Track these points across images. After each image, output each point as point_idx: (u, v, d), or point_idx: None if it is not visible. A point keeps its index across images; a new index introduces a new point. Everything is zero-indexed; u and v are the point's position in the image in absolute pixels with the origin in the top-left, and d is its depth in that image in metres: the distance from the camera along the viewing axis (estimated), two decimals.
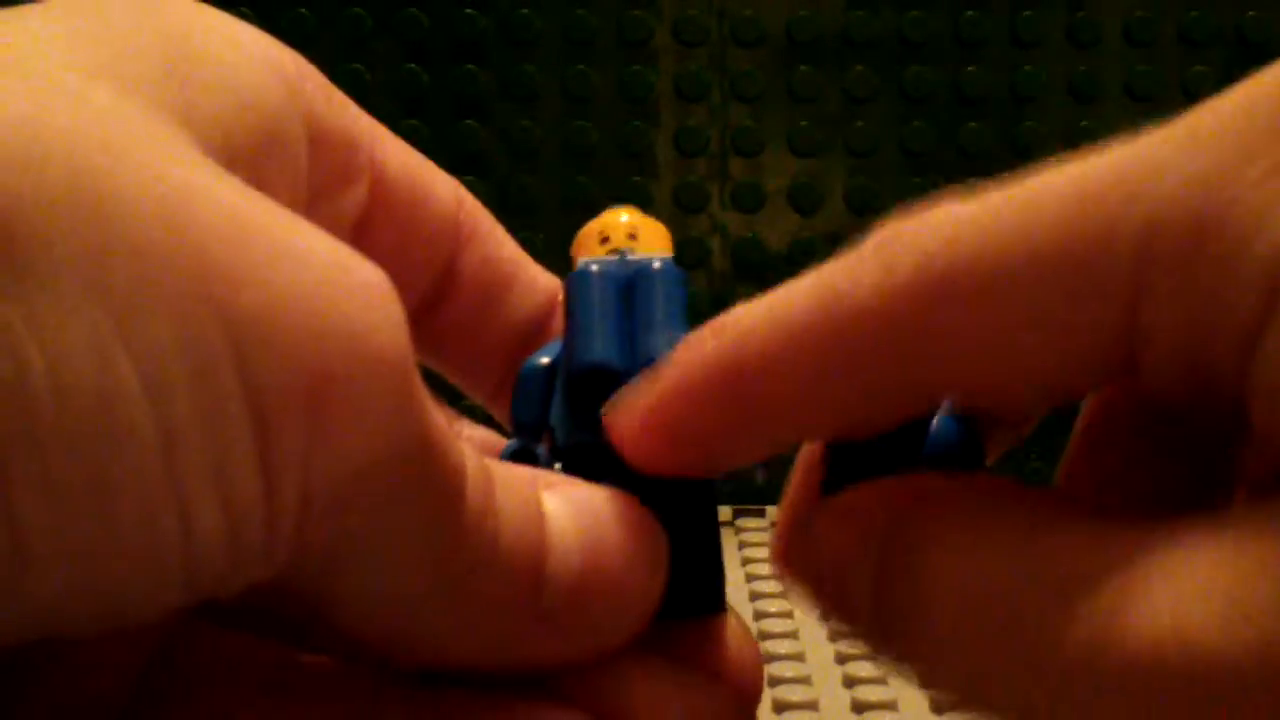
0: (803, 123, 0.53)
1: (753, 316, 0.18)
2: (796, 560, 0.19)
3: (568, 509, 0.18)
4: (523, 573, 0.17)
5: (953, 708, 0.17)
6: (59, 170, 0.13)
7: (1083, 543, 0.16)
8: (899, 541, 0.18)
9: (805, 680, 0.32)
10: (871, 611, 0.18)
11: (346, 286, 0.15)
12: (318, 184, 0.19)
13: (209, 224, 0.14)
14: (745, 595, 0.38)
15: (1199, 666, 0.14)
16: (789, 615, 0.36)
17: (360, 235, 0.21)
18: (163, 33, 0.16)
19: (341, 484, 0.15)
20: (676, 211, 0.53)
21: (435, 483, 0.16)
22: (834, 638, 0.34)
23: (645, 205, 0.55)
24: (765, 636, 0.35)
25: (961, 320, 0.17)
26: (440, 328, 0.23)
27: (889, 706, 0.30)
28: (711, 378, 0.18)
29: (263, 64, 0.18)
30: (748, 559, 0.41)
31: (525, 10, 0.53)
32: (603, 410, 0.19)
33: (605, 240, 0.21)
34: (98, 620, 0.14)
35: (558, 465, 0.20)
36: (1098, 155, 0.16)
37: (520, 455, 0.20)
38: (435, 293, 0.23)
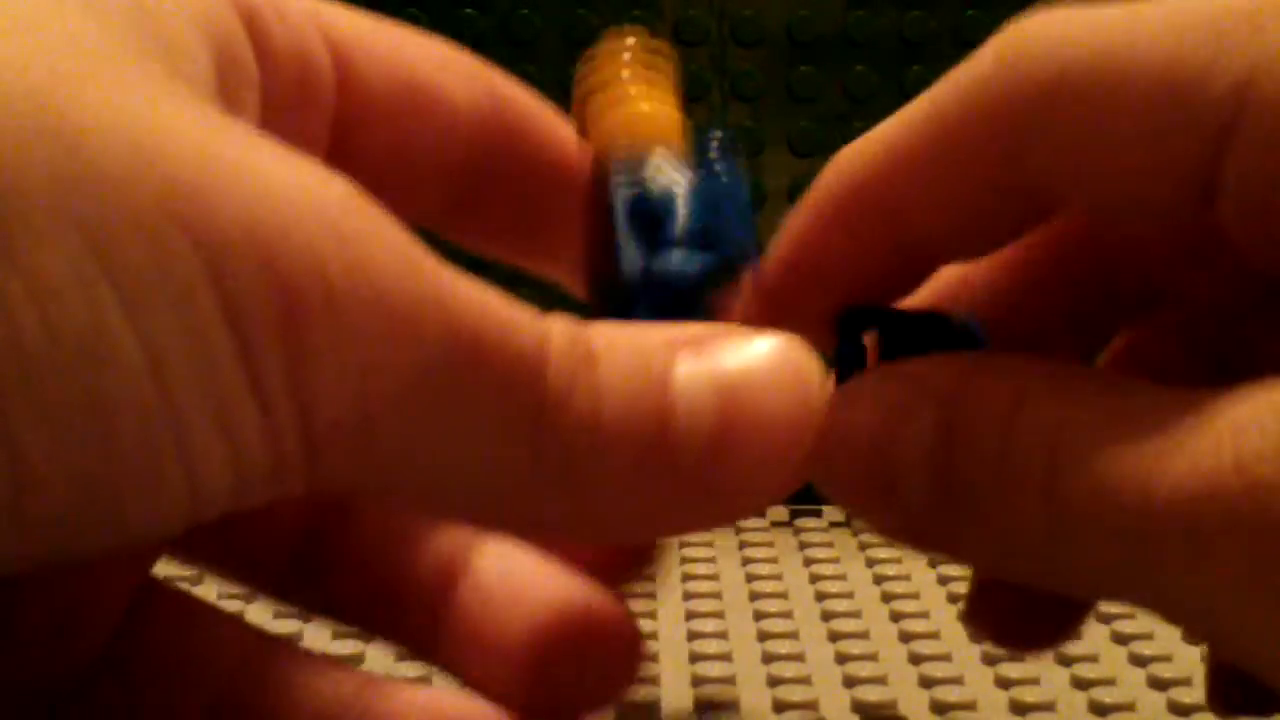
0: (803, 123, 0.53)
1: (874, 132, 0.19)
2: (826, 441, 0.17)
3: (705, 367, 0.16)
4: (640, 446, 0.16)
5: (1018, 579, 0.17)
6: (23, 104, 0.13)
7: (1159, 394, 0.16)
8: (969, 404, 0.17)
9: (805, 680, 0.32)
10: (929, 487, 0.17)
11: (310, 204, 0.14)
12: (277, 102, 0.19)
13: (174, 149, 0.14)
14: (745, 595, 0.38)
15: (1260, 494, 0.14)
16: (789, 615, 0.36)
17: (343, 147, 0.21)
18: None
19: (359, 401, 0.15)
20: None
21: (491, 377, 0.15)
22: (834, 638, 0.34)
23: None
24: (765, 637, 0.35)
25: (1069, 119, 0.17)
26: (483, 224, 0.23)
27: (889, 706, 0.30)
28: (835, 197, 0.19)
29: None
30: (747, 559, 0.41)
31: (525, 10, 0.53)
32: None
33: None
34: (103, 541, 0.14)
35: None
36: None
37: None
38: (470, 193, 0.22)
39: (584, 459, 0.16)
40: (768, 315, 0.20)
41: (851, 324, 0.19)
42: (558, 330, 0.16)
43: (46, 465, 0.13)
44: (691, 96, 0.54)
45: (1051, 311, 0.21)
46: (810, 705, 0.30)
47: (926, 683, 0.31)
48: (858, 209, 0.19)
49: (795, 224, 0.20)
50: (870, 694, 0.31)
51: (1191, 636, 0.16)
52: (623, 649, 0.21)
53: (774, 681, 0.32)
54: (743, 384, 0.17)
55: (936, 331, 0.19)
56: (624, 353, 0.16)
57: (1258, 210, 0.17)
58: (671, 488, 0.16)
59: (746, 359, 0.17)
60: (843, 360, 0.19)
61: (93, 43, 0.15)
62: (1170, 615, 0.16)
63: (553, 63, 0.53)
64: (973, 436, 0.17)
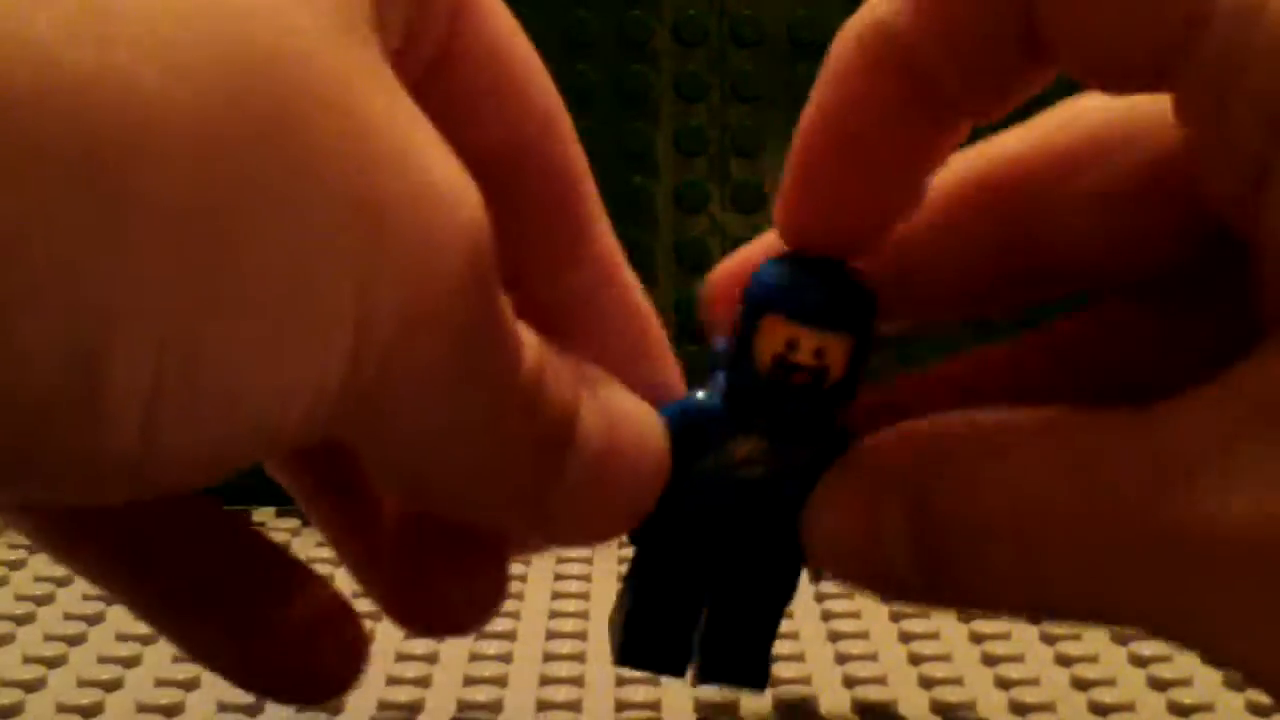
0: None
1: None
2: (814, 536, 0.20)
3: (597, 405, 0.20)
4: (552, 439, 0.19)
5: (1037, 619, 0.18)
6: (262, 103, 0.14)
7: (1129, 430, 0.16)
8: (931, 484, 0.18)
9: (805, 680, 0.32)
10: (915, 566, 0.18)
11: (449, 196, 0.16)
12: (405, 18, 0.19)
13: (374, 152, 0.15)
14: None
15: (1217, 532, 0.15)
16: (788, 615, 0.36)
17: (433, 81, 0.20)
18: None
19: (414, 327, 0.16)
20: (676, 211, 0.53)
21: (493, 354, 0.18)
22: (834, 638, 0.34)
23: (645, 205, 0.55)
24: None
25: None
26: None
27: (889, 706, 0.30)
28: (821, 119, 0.20)
29: None
30: None
31: (525, 10, 0.53)
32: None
33: (792, 348, 0.21)
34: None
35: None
36: None
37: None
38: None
39: (509, 425, 0.18)
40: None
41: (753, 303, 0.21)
42: (536, 348, 0.19)
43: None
44: (691, 96, 0.55)
45: (981, 276, 0.22)
46: (810, 705, 0.30)
47: (927, 683, 0.31)
48: (877, 58, 0.21)
49: (794, 159, 0.22)
50: (870, 694, 0.31)
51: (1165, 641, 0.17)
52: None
53: (774, 682, 0.32)
54: (624, 420, 0.20)
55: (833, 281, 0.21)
56: (558, 373, 0.19)
57: (1206, 113, 0.17)
58: (553, 488, 0.19)
59: (626, 402, 0.20)
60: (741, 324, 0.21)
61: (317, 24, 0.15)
62: (1162, 634, 0.17)
63: (553, 63, 0.53)
64: (942, 516, 0.18)
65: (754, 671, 0.23)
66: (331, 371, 0.15)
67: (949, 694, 0.30)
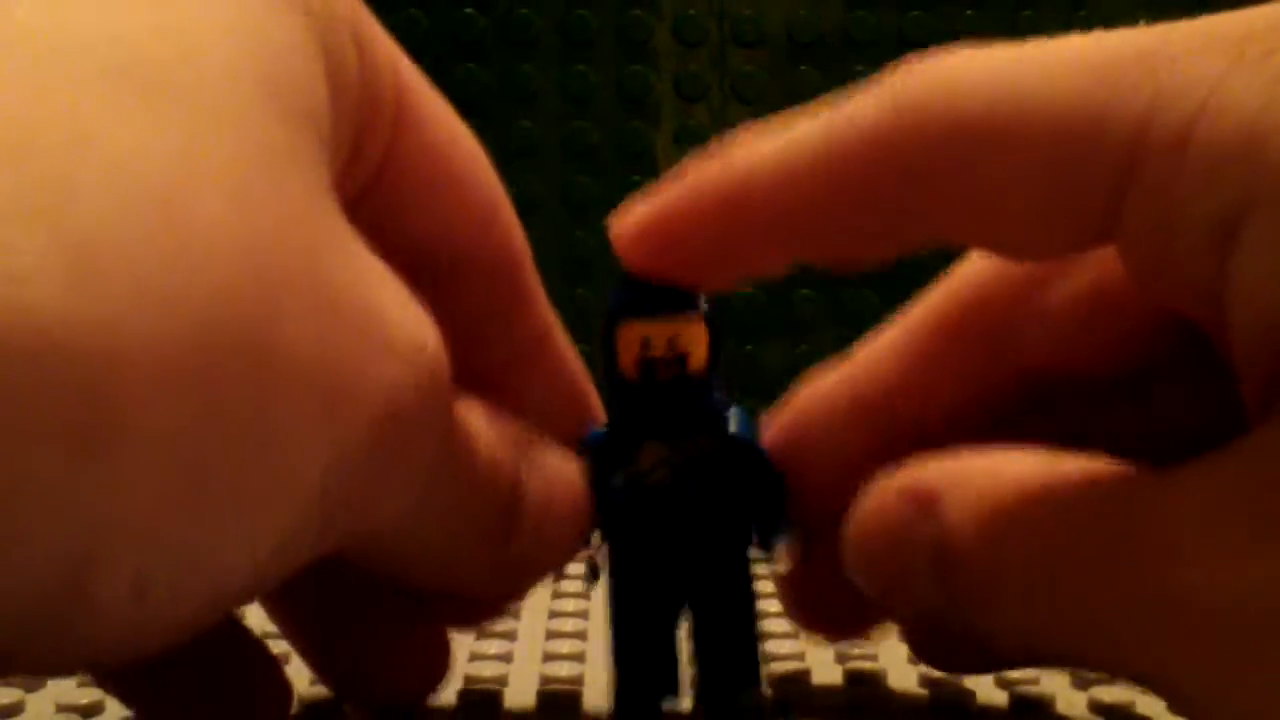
0: None
1: (760, 139, 0.20)
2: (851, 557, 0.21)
3: (535, 468, 0.21)
4: (505, 509, 0.21)
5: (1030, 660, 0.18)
6: (236, 322, 0.14)
7: (1138, 495, 0.17)
8: (953, 520, 0.19)
9: (804, 677, 0.32)
10: (936, 584, 0.19)
11: (409, 345, 0.17)
12: (355, 117, 0.19)
13: (340, 325, 0.16)
14: None
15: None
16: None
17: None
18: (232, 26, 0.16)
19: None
20: None
21: (455, 465, 0.19)
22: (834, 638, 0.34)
23: None
24: (766, 636, 0.35)
25: (961, 164, 0.18)
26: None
27: (888, 703, 0.30)
28: (714, 189, 0.21)
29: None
30: None
31: (525, 10, 0.53)
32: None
33: (647, 346, 0.22)
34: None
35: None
36: (1125, 35, 0.18)
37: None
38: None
39: (465, 502, 0.20)
40: None
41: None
42: (491, 438, 0.21)
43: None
44: (691, 96, 0.55)
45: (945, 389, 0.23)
46: (809, 703, 0.30)
47: (926, 683, 0.31)
48: (730, 209, 0.21)
49: (670, 195, 0.22)
50: (869, 693, 0.31)
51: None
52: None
53: (774, 682, 0.32)
54: (555, 476, 0.22)
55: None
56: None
57: (1155, 251, 0.17)
58: (515, 552, 0.21)
59: (554, 457, 0.22)
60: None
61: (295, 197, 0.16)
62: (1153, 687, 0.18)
63: (553, 63, 0.53)
64: (961, 554, 0.18)
65: (747, 671, 0.23)
66: (308, 531, 0.16)
67: (949, 693, 0.30)
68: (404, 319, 0.17)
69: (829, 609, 0.24)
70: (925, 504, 0.19)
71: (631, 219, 0.21)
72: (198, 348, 0.14)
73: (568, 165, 0.52)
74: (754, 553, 0.23)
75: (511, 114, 0.52)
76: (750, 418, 0.23)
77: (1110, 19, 0.60)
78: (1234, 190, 0.16)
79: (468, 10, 0.53)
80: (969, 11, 0.53)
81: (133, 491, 0.13)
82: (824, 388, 0.23)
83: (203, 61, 0.15)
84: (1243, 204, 0.16)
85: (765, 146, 0.20)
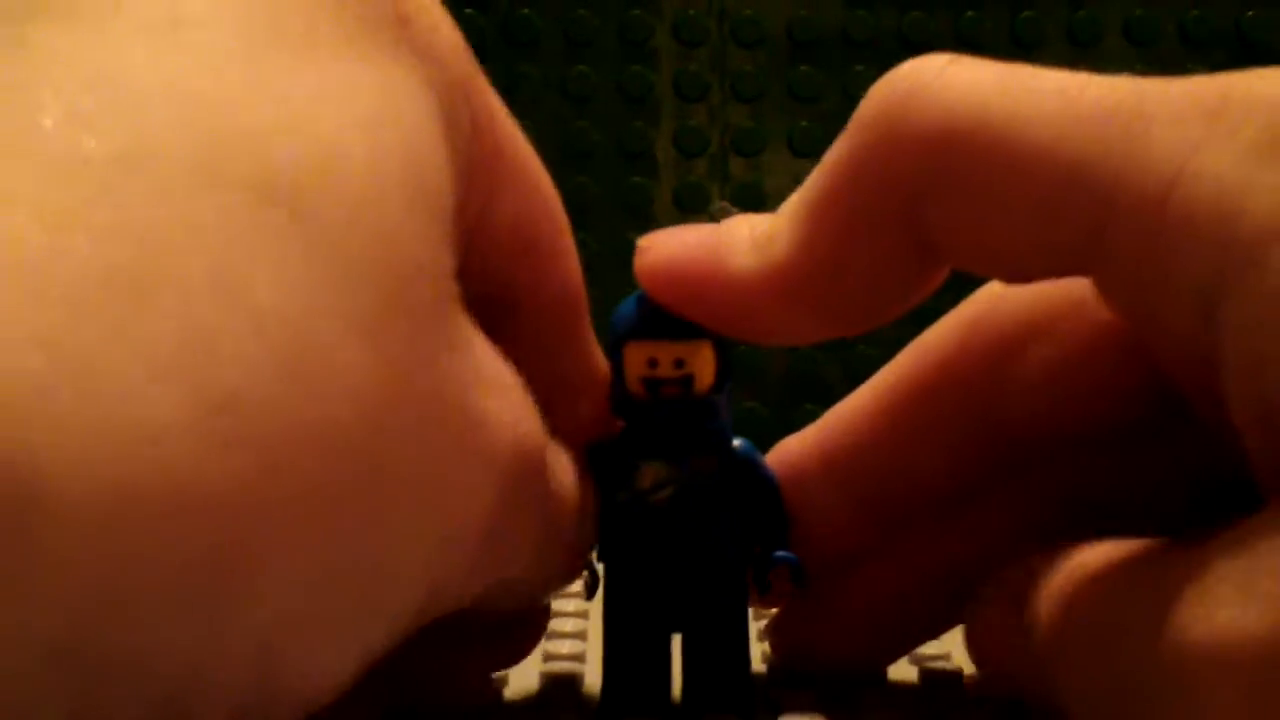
0: (803, 123, 0.53)
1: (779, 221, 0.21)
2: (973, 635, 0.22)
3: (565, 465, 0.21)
4: (573, 515, 0.21)
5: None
6: (361, 449, 0.14)
7: (1166, 559, 0.17)
8: (1035, 598, 0.19)
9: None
10: (1022, 656, 0.20)
11: (508, 437, 0.18)
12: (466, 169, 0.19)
13: (449, 437, 0.16)
14: None
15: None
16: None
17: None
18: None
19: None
20: (676, 211, 0.53)
21: (554, 521, 0.20)
22: None
23: (645, 205, 0.55)
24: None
25: (958, 184, 0.18)
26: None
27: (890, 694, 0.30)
28: (735, 270, 0.21)
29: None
30: None
31: (525, 10, 0.53)
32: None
33: (653, 365, 0.22)
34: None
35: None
36: (1108, 85, 0.18)
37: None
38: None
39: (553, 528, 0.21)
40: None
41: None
42: (558, 464, 0.21)
43: None
44: (691, 96, 0.55)
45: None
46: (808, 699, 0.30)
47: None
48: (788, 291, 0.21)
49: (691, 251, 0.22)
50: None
51: None
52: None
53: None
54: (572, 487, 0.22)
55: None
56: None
57: (1138, 302, 0.18)
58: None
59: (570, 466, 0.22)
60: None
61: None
62: None
63: (553, 63, 0.53)
64: (1039, 625, 0.19)
65: (736, 695, 0.23)
66: (410, 623, 0.17)
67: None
68: (505, 419, 0.18)
69: (813, 643, 0.25)
70: (1020, 581, 0.20)
71: (660, 254, 0.21)
72: (323, 494, 0.14)
73: (568, 165, 0.52)
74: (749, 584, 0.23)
75: (511, 114, 0.52)
76: (753, 446, 0.23)
77: (1110, 19, 0.59)
78: (1209, 264, 0.16)
79: (468, 10, 0.53)
80: (969, 11, 0.52)
81: (252, 633, 0.13)
82: (795, 449, 0.24)
83: (345, 170, 0.14)
84: (1219, 279, 0.16)
85: (781, 239, 0.21)
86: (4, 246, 0.11)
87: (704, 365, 0.21)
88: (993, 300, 0.23)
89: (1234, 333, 0.16)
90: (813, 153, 0.54)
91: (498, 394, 0.18)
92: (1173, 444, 0.22)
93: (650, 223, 0.53)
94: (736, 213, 0.22)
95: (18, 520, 0.11)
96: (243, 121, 0.14)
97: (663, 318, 0.21)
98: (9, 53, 0.13)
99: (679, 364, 0.22)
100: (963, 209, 0.19)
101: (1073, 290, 0.21)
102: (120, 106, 0.13)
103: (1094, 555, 0.19)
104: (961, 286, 0.22)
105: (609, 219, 0.53)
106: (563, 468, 0.21)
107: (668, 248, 0.22)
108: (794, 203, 0.21)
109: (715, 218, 0.22)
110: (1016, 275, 0.20)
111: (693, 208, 0.54)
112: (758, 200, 0.54)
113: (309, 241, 0.14)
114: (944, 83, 0.19)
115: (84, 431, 0.11)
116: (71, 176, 0.12)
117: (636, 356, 0.22)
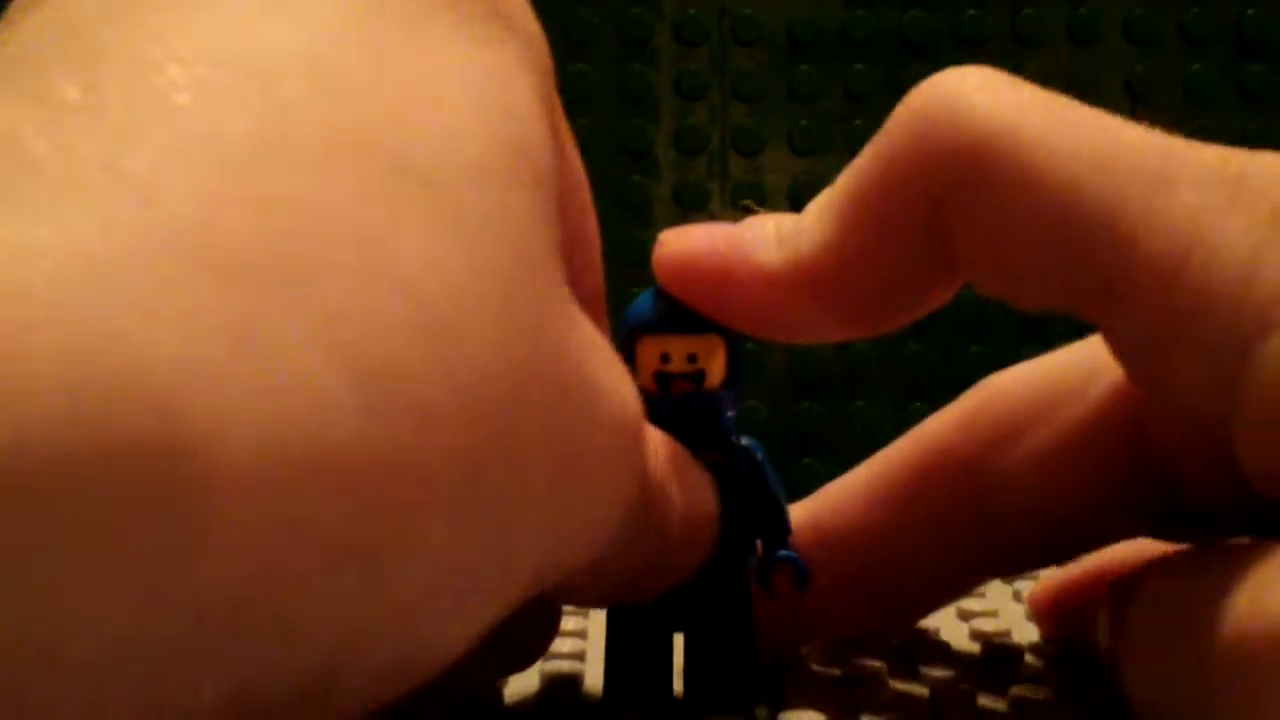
0: (803, 122, 0.53)
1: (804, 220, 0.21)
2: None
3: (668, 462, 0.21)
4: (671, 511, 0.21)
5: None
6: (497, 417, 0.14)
7: (1240, 558, 0.17)
8: (1117, 589, 0.20)
9: None
10: (1108, 639, 0.21)
11: (619, 408, 0.18)
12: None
13: (572, 411, 0.16)
14: None
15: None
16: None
17: None
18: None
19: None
20: (676, 211, 0.53)
21: (653, 499, 0.20)
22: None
23: (645, 205, 0.55)
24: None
25: (984, 202, 0.19)
26: None
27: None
28: (756, 267, 0.21)
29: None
30: None
31: None
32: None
33: (666, 359, 0.22)
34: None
35: None
36: (1131, 136, 0.18)
37: None
38: None
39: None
40: None
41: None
42: (656, 457, 0.21)
43: None
44: (691, 96, 0.55)
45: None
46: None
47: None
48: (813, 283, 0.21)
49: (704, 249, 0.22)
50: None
51: None
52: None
53: None
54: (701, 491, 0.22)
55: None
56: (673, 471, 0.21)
57: (1152, 362, 0.18)
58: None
59: (698, 475, 0.22)
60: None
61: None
62: None
63: (554, 62, 0.53)
64: (1119, 619, 0.20)
65: (740, 697, 0.22)
66: (519, 597, 0.17)
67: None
68: (615, 387, 0.18)
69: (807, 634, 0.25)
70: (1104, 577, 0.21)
71: (682, 246, 0.22)
72: (469, 460, 0.14)
73: None
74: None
75: None
76: (759, 444, 0.23)
77: (1110, 17, 0.59)
78: (1225, 332, 0.17)
79: None
80: (969, 11, 0.52)
81: (401, 600, 0.14)
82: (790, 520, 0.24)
83: (465, 149, 0.15)
84: (1234, 348, 0.17)
85: (806, 237, 0.21)
86: (161, 225, 0.12)
87: (716, 361, 0.22)
88: (996, 390, 0.23)
89: (1257, 388, 0.16)
90: (813, 152, 0.54)
91: (605, 363, 0.18)
92: (1149, 517, 0.23)
93: (650, 221, 0.53)
94: (761, 212, 0.23)
95: (190, 486, 0.11)
96: (369, 96, 0.14)
97: (677, 312, 0.22)
98: (124, 23, 0.13)
99: (692, 359, 0.22)
100: (984, 225, 0.19)
101: (1075, 379, 0.22)
102: (251, 81, 0.13)
103: (1156, 557, 0.20)
104: (965, 293, 0.22)
105: (609, 218, 0.53)
106: (660, 450, 0.21)
107: (690, 240, 0.22)
108: (823, 200, 0.21)
109: (739, 216, 0.22)
110: (1028, 301, 0.20)
111: (693, 206, 0.54)
112: (758, 199, 0.54)
113: (442, 215, 0.14)
114: (984, 97, 0.19)
115: (253, 400, 0.11)
116: (217, 156, 0.12)
117: (650, 351, 0.22)
